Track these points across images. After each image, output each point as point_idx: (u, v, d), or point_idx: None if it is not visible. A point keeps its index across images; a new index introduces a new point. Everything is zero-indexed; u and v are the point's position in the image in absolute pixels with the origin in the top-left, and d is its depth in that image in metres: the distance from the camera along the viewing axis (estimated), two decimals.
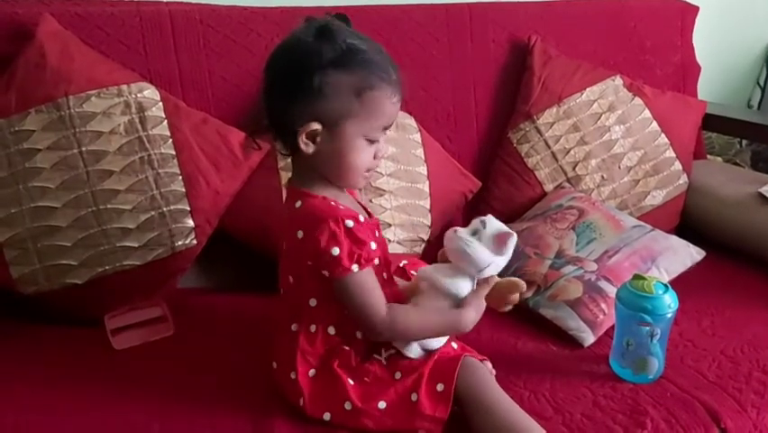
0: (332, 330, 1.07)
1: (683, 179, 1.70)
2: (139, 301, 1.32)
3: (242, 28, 1.48)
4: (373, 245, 1.03)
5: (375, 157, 1.07)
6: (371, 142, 1.05)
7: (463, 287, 1.09)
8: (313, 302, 1.06)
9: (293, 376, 1.06)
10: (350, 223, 1.00)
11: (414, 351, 1.08)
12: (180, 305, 1.36)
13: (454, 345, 1.14)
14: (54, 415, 1.05)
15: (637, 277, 1.15)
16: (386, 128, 1.06)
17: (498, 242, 1.07)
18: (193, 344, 1.26)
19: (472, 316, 1.08)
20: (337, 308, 1.06)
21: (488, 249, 1.07)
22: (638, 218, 1.60)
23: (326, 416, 1.04)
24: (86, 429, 1.02)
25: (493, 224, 1.09)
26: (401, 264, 1.27)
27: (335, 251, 0.99)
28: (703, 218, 1.68)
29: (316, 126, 1.02)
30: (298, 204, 1.05)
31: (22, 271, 1.26)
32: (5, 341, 1.22)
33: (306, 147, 1.03)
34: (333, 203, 1.04)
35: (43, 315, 1.29)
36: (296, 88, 1.01)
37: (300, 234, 1.02)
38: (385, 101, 1.03)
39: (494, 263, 1.08)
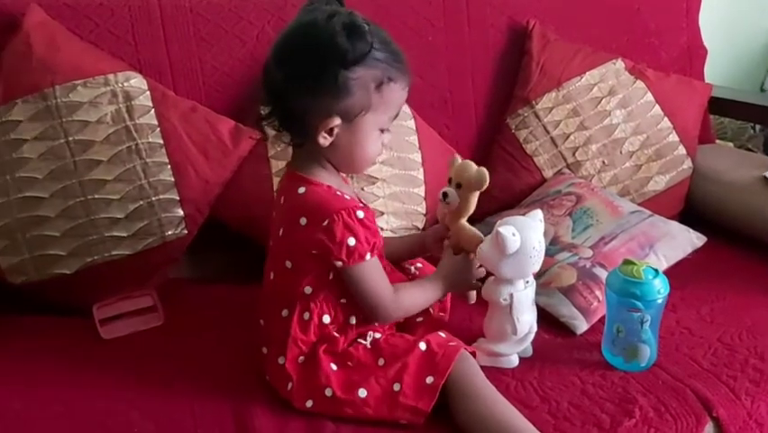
0: (326, 319, 1.07)
1: (687, 163, 1.66)
2: (129, 291, 1.31)
3: (233, 16, 1.46)
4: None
5: (382, 145, 1.11)
6: (382, 131, 1.09)
7: (495, 290, 1.13)
8: (308, 290, 1.06)
9: (281, 361, 1.06)
10: (360, 213, 1.03)
11: (514, 361, 1.15)
12: (172, 295, 1.35)
13: (442, 334, 1.12)
14: (35, 404, 1.05)
15: (627, 262, 1.12)
16: (393, 117, 1.10)
17: (495, 243, 1.08)
18: (182, 333, 1.26)
19: (450, 281, 1.16)
20: (333, 297, 1.07)
21: (494, 251, 1.09)
22: (641, 204, 1.56)
23: (309, 403, 1.03)
24: (65, 419, 1.02)
25: (498, 225, 1.10)
26: (413, 269, 1.27)
27: (352, 241, 1.01)
28: (708, 204, 1.63)
29: (337, 121, 1.03)
30: (302, 190, 1.05)
31: (10, 262, 1.26)
32: None
33: (324, 140, 1.04)
34: (338, 193, 1.06)
35: (32, 305, 1.29)
36: (318, 84, 1.01)
37: (303, 220, 1.03)
38: (400, 92, 1.07)
39: (504, 263, 1.09)
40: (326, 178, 1.08)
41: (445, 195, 1.15)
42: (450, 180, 1.16)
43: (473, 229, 1.17)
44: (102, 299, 1.29)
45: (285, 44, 1.05)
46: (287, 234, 1.07)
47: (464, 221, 1.17)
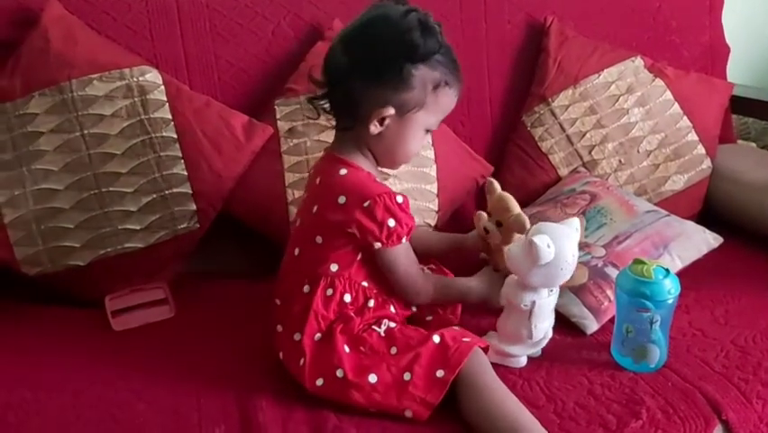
0: (347, 298, 1.09)
1: (706, 163, 1.63)
2: (141, 283, 1.33)
3: (249, 12, 1.47)
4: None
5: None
6: (427, 132, 1.14)
7: (517, 295, 1.10)
8: (334, 267, 1.09)
9: (297, 338, 1.08)
10: (399, 198, 1.07)
11: (523, 361, 1.14)
12: (183, 288, 1.37)
13: (456, 328, 1.13)
14: (44, 393, 1.06)
15: (637, 262, 1.11)
16: (441, 121, 1.15)
17: (528, 251, 1.06)
18: (192, 326, 1.27)
19: (483, 291, 1.21)
20: (357, 278, 1.10)
21: (525, 259, 1.06)
22: (658, 204, 1.54)
23: (319, 381, 1.04)
24: (72, 408, 1.03)
25: (532, 233, 1.08)
26: (425, 269, 1.27)
27: (392, 222, 1.06)
28: (727, 204, 1.61)
29: (391, 112, 1.07)
30: (343, 171, 1.10)
31: (26, 253, 1.28)
32: (6, 320, 1.24)
33: (374, 129, 1.08)
34: (377, 180, 1.12)
35: (47, 295, 1.31)
36: (382, 74, 1.06)
37: (342, 199, 1.07)
38: (453, 98, 1.13)
39: (534, 273, 1.07)
40: (366, 165, 1.13)
41: (486, 231, 1.18)
42: (489, 213, 1.19)
43: None
44: (114, 290, 1.31)
45: (357, 32, 1.09)
46: (321, 212, 1.10)
47: (506, 247, 1.18)
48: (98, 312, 1.27)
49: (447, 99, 1.11)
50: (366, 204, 1.05)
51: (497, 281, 1.19)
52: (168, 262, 1.37)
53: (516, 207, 1.16)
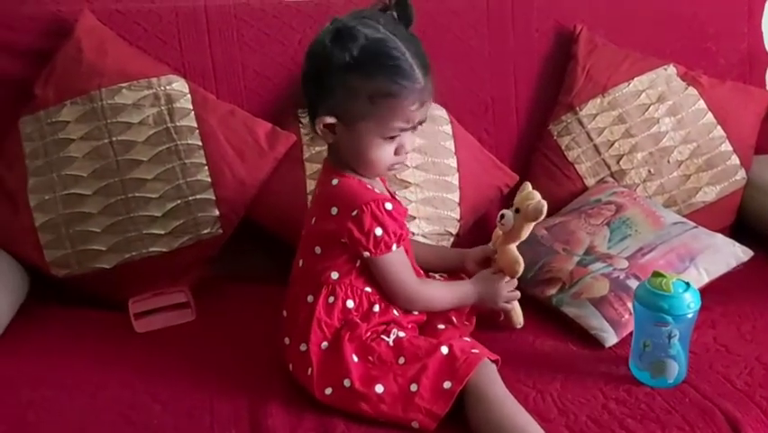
0: (350, 304, 1.10)
1: (741, 174, 1.59)
2: (164, 287, 1.35)
3: (276, 22, 1.49)
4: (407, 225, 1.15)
5: (397, 152, 1.11)
6: (390, 138, 1.09)
7: None
8: (335, 275, 1.10)
9: (303, 348, 1.09)
10: (389, 205, 1.08)
11: None
12: (205, 292, 1.39)
13: (467, 339, 1.13)
14: (64, 391, 1.09)
15: (656, 274, 1.08)
16: (404, 129, 1.09)
17: None
18: (212, 330, 1.29)
19: (478, 291, 1.19)
20: (358, 284, 1.11)
21: None
22: (688, 215, 1.51)
23: (328, 391, 1.05)
24: (89, 408, 1.06)
25: None
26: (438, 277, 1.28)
27: (379, 231, 1.06)
28: (762, 216, 1.56)
29: (331, 120, 1.08)
30: (335, 181, 1.11)
31: (55, 255, 1.32)
32: (33, 321, 1.28)
33: (325, 136, 1.10)
34: (369, 186, 1.11)
35: (74, 297, 1.35)
36: (315, 84, 1.09)
37: (335, 210, 1.08)
38: (402, 109, 1.06)
39: None
40: (356, 173, 1.12)
41: (502, 216, 1.19)
42: (512, 205, 1.20)
43: (516, 254, 1.19)
44: (137, 293, 1.33)
45: (309, 44, 1.11)
46: (318, 223, 1.12)
47: (512, 245, 1.19)
48: (122, 314, 1.30)
49: (392, 110, 1.05)
50: (354, 213, 1.06)
51: (495, 283, 1.20)
52: (191, 267, 1.39)
53: (538, 196, 1.17)
